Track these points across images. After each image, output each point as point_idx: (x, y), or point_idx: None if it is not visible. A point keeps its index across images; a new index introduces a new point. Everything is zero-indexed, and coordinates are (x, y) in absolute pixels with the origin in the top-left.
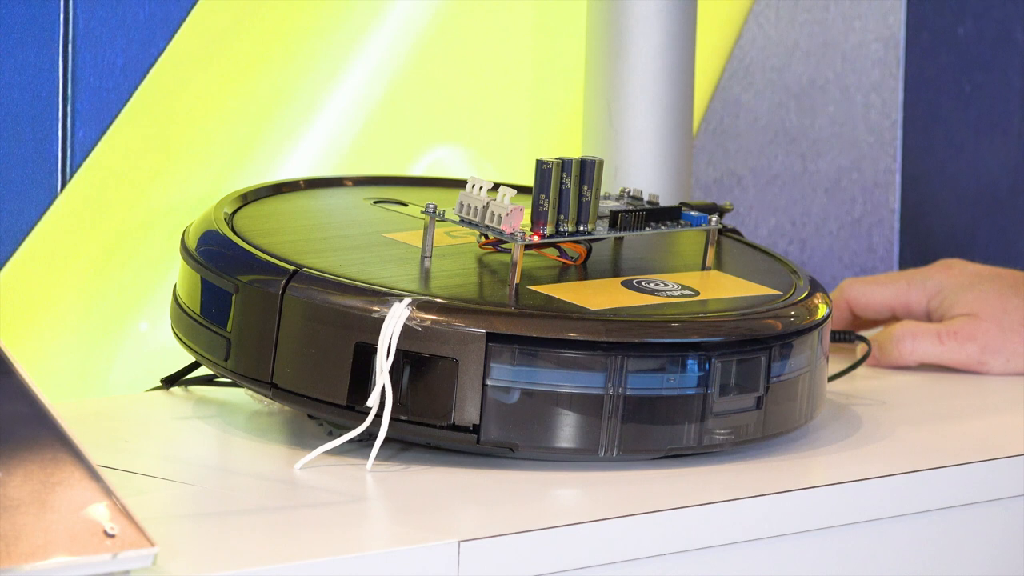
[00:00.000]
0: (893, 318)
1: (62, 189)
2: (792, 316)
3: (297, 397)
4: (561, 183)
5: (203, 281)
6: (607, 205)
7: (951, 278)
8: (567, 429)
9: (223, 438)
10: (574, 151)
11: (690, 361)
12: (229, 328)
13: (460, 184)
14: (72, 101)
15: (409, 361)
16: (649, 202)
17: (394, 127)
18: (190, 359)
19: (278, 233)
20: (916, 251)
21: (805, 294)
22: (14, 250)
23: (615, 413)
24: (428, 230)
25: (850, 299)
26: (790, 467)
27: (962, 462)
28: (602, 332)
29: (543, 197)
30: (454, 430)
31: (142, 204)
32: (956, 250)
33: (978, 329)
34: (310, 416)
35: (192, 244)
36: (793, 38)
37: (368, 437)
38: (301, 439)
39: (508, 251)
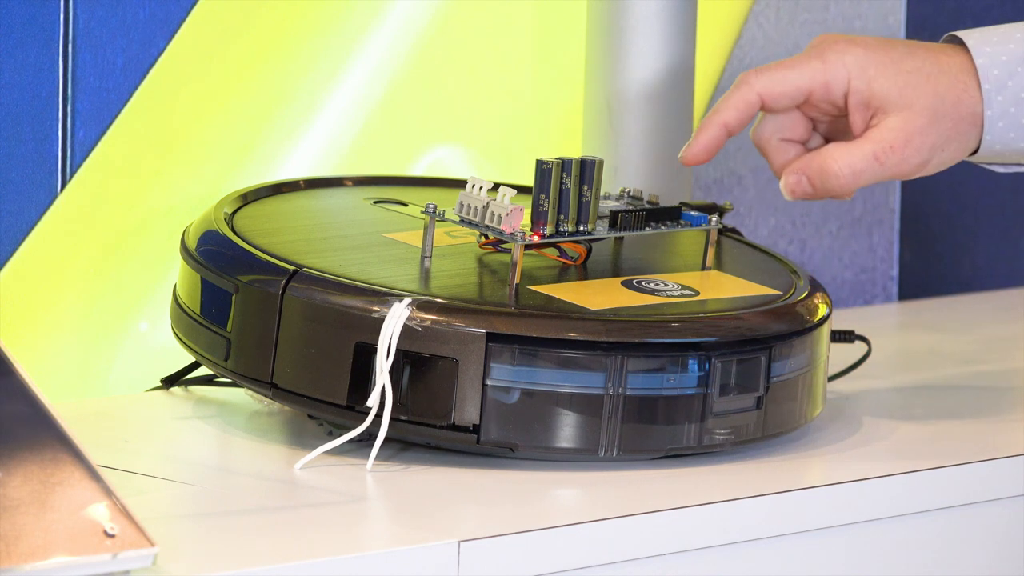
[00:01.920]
0: (807, 103)
1: (62, 189)
2: (792, 316)
3: (297, 397)
4: (561, 183)
5: (203, 281)
6: (607, 205)
7: (865, 54)
8: (567, 429)
9: (223, 438)
10: (574, 151)
11: (690, 361)
12: (229, 328)
13: (460, 184)
14: (72, 101)
15: (409, 361)
16: (649, 202)
17: (394, 127)
18: (190, 359)
19: (278, 233)
20: (916, 251)
21: (805, 294)
22: (14, 250)
23: (615, 413)
24: (428, 230)
25: (762, 91)
26: (790, 467)
27: (962, 462)
28: (602, 332)
29: (543, 197)
30: (454, 430)
31: (142, 204)
32: (956, 250)
33: (914, 132)
34: (310, 416)
35: (192, 244)
36: (793, 38)
37: (368, 437)
38: (301, 439)
39: (508, 251)
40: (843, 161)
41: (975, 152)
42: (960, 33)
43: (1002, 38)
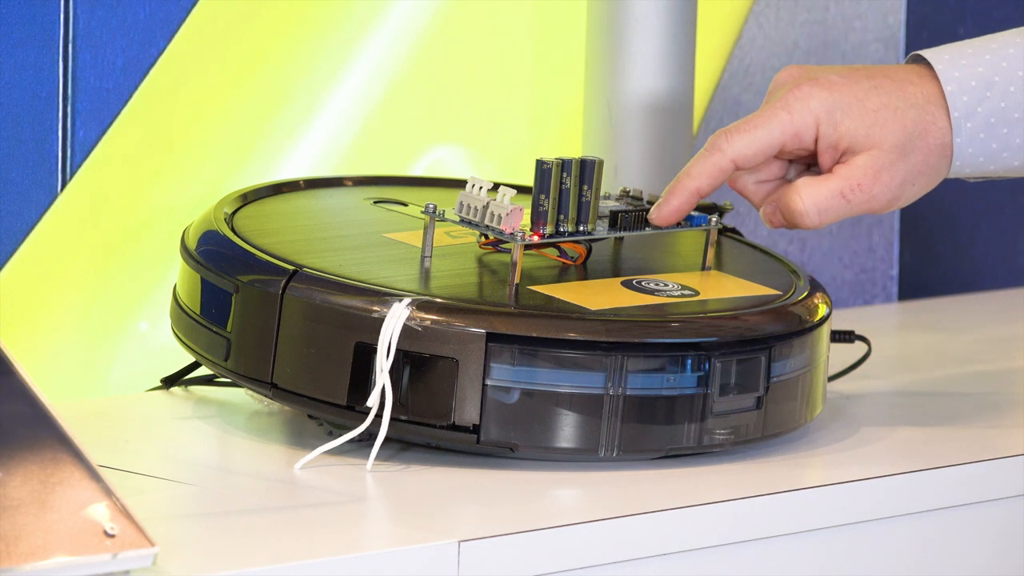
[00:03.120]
0: (780, 152)
1: (62, 189)
2: (792, 316)
3: (297, 397)
4: (561, 183)
5: (203, 281)
6: (607, 205)
7: (830, 97)
8: (567, 429)
9: (223, 438)
10: (574, 151)
11: (690, 361)
12: (229, 328)
13: (460, 184)
14: (72, 101)
15: (409, 361)
16: (649, 202)
17: (394, 127)
18: (190, 359)
19: (278, 233)
20: (916, 251)
21: (805, 294)
22: (14, 250)
23: (615, 413)
24: (428, 230)
25: (735, 157)
26: (790, 467)
27: (962, 462)
28: (602, 332)
29: (543, 197)
30: (454, 430)
31: (142, 204)
32: (956, 250)
33: (882, 169)
34: (310, 416)
35: (192, 244)
36: (793, 38)
37: (368, 437)
38: (301, 439)
39: (508, 251)
40: (809, 200)
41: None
42: (927, 54)
43: (971, 61)
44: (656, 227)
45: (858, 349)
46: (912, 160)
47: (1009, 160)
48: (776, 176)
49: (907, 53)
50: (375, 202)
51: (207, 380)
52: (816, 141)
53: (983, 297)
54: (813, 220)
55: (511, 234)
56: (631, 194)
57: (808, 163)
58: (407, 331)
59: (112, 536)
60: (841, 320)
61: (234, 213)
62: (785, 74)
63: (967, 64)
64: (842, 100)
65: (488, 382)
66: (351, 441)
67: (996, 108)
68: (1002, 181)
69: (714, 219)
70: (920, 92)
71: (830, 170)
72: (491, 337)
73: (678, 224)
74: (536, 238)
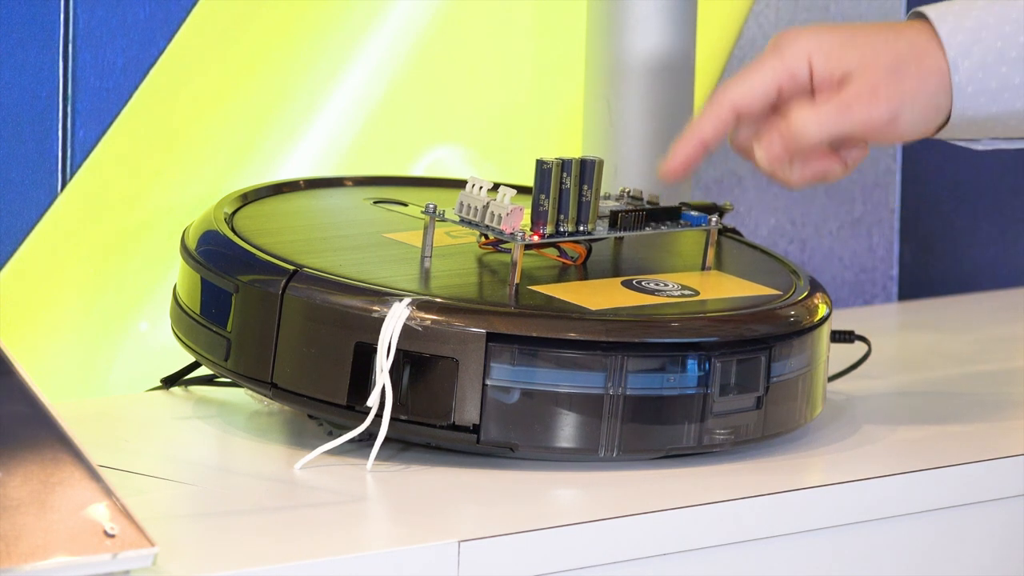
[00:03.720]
0: (779, 99)
1: (62, 189)
2: (792, 316)
3: (297, 397)
4: (561, 183)
5: (203, 281)
6: (607, 205)
7: (819, 35)
8: (567, 429)
9: (223, 438)
10: (574, 151)
11: (690, 361)
12: (229, 328)
13: (460, 184)
14: (72, 101)
15: (409, 361)
16: (649, 202)
17: (394, 127)
18: (190, 359)
19: (278, 233)
20: (916, 251)
21: (805, 294)
22: (14, 250)
23: (615, 413)
24: (428, 230)
25: (734, 102)
26: (790, 467)
27: (962, 462)
28: (602, 332)
29: (543, 197)
30: (454, 430)
31: (142, 204)
32: (956, 250)
33: (878, 83)
34: (310, 416)
35: (192, 244)
36: None
37: (368, 437)
38: (301, 439)
39: (508, 251)
40: (807, 110)
41: (947, 122)
42: (923, 8)
43: (963, 7)
44: (657, 227)
45: (858, 349)
46: (909, 79)
47: (1011, 101)
48: None
49: None
50: (375, 202)
51: (207, 380)
52: (811, 77)
53: (983, 297)
54: (812, 128)
55: (511, 234)
56: (631, 194)
57: None
58: (407, 331)
59: (112, 536)
60: (841, 320)
61: (234, 213)
62: (777, 35)
63: (960, 10)
64: (832, 35)
65: (488, 382)
66: (351, 441)
67: (992, 47)
68: (1001, 181)
69: (714, 219)
70: (913, 29)
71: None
72: (491, 337)
73: (678, 224)
74: (536, 238)
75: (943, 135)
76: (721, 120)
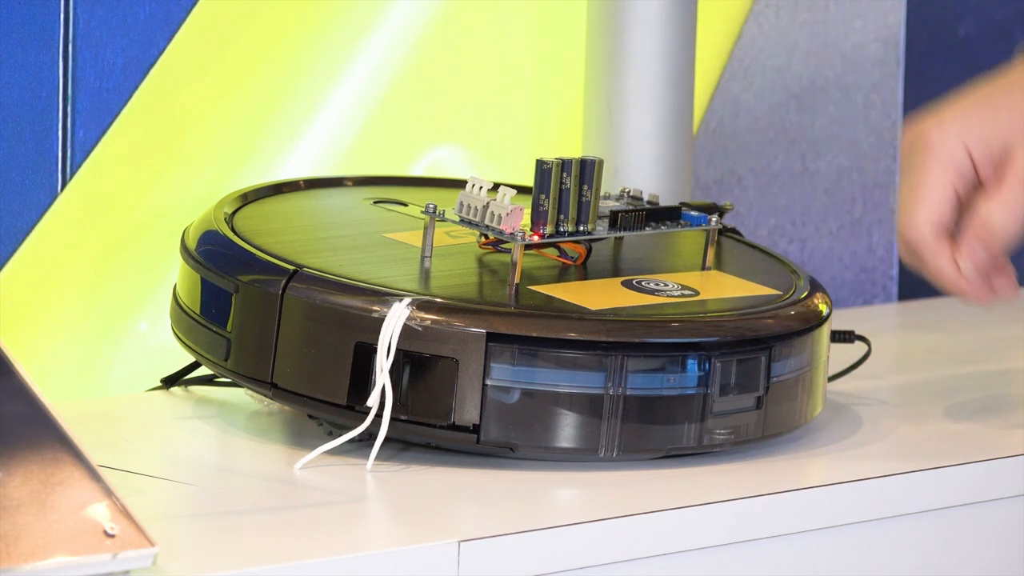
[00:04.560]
0: (957, 197)
1: (62, 189)
2: (792, 316)
3: (297, 397)
4: (561, 183)
5: (203, 281)
6: (607, 205)
7: (963, 118)
8: (567, 429)
9: (223, 438)
10: (574, 151)
11: (690, 361)
12: (229, 328)
13: (460, 184)
14: (72, 101)
15: (409, 361)
16: (649, 202)
17: (394, 127)
18: (190, 359)
19: (278, 233)
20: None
21: (805, 294)
22: (14, 250)
23: (615, 413)
24: (428, 230)
25: (932, 222)
26: (790, 467)
27: (962, 462)
28: (602, 332)
29: (543, 197)
30: (454, 430)
31: (142, 204)
32: None
33: None
34: (310, 416)
35: (192, 244)
36: (793, 38)
37: (368, 437)
38: (301, 439)
39: (508, 251)
40: (996, 206)
41: None
42: None
43: None
44: (657, 227)
45: (858, 349)
46: None
47: None
48: (949, 211)
49: (907, 53)
50: (375, 202)
51: (207, 380)
52: (974, 166)
53: None
54: (1004, 216)
55: (511, 234)
56: (631, 194)
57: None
58: (407, 331)
59: (112, 536)
60: (841, 320)
61: (234, 213)
62: (910, 132)
63: None
64: (974, 114)
65: (488, 382)
66: (351, 441)
67: None
68: None
69: (714, 219)
70: None
71: (997, 182)
72: (491, 337)
73: (678, 224)
74: (536, 238)
75: None
76: (939, 244)
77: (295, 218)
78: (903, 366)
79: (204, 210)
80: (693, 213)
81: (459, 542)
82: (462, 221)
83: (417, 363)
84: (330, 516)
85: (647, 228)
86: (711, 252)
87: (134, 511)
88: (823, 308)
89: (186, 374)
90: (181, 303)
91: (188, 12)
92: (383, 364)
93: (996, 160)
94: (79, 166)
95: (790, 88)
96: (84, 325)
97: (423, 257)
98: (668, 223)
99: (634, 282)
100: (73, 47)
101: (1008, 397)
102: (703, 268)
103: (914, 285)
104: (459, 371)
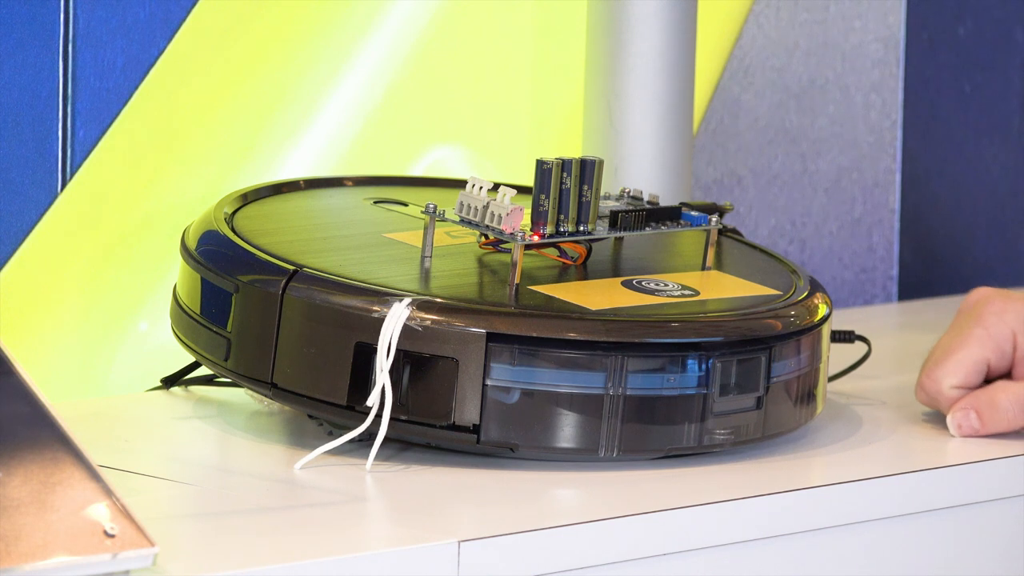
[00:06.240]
0: (988, 371)
1: (62, 189)
2: (792, 316)
3: (297, 397)
4: (561, 183)
5: (203, 281)
6: (607, 205)
7: (1014, 317)
8: (567, 429)
9: (223, 438)
10: (574, 151)
11: (690, 361)
12: (229, 328)
13: (460, 184)
14: (72, 101)
15: (409, 361)
16: (649, 202)
17: (394, 127)
18: (190, 359)
19: (278, 233)
20: (916, 251)
21: (805, 294)
22: (14, 250)
23: (615, 413)
24: (428, 230)
25: (956, 386)
26: (790, 467)
27: (962, 462)
28: (602, 332)
29: (543, 197)
30: (454, 430)
31: (142, 204)
32: (956, 250)
33: None
34: (310, 416)
35: (192, 244)
36: (793, 38)
37: (368, 437)
38: (301, 439)
39: (508, 251)
40: (1012, 395)
41: None
42: None
43: None
44: (657, 227)
45: (858, 349)
46: None
47: None
48: (975, 385)
49: (907, 53)
50: (375, 202)
51: (207, 380)
52: (1015, 351)
53: None
54: (1015, 416)
55: (511, 234)
56: (631, 194)
57: (1000, 368)
58: (407, 331)
59: (112, 536)
60: (841, 320)
61: (234, 213)
62: (976, 294)
63: None
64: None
65: (488, 382)
66: (351, 441)
67: None
68: (1001, 181)
69: (714, 219)
70: None
71: None
72: (491, 337)
73: (678, 224)
74: (536, 238)
75: None
76: (962, 411)
77: (295, 218)
78: (903, 366)
79: (204, 210)
80: (693, 213)
81: (459, 542)
82: (462, 221)
83: (417, 363)
84: (330, 516)
85: (647, 228)
86: (711, 252)
87: (134, 511)
88: (823, 308)
89: (186, 374)
90: (181, 303)
91: (188, 12)
92: (383, 364)
93: None
94: (79, 166)
95: (790, 88)
96: (84, 325)
97: (423, 257)
98: (668, 223)
99: (634, 282)
100: (73, 47)
101: None
102: (703, 268)
103: (914, 285)
104: (459, 371)
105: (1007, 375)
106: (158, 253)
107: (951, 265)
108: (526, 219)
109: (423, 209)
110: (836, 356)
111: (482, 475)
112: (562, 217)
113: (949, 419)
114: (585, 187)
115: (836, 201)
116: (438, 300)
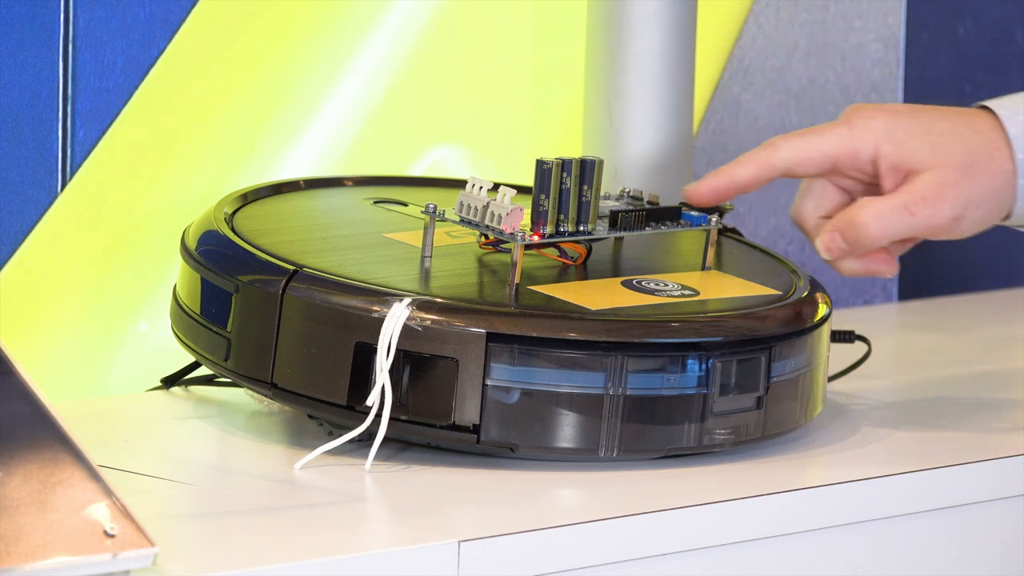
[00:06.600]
0: (834, 171)
1: (62, 189)
2: (792, 316)
3: (297, 397)
4: (561, 183)
5: (203, 281)
6: (607, 205)
7: (893, 119)
8: (567, 429)
9: (223, 438)
10: (574, 151)
11: (690, 361)
12: (229, 328)
13: (460, 184)
14: (72, 101)
15: (409, 361)
16: (649, 202)
17: (394, 127)
18: (190, 359)
19: (278, 233)
20: (916, 251)
21: (805, 294)
22: (14, 250)
23: (615, 413)
24: (428, 230)
25: (787, 156)
26: (790, 467)
27: (962, 462)
28: (602, 332)
29: (543, 197)
30: (454, 430)
31: (142, 204)
32: (955, 250)
33: (946, 184)
34: (310, 416)
35: (192, 244)
36: (793, 38)
37: (368, 437)
38: (301, 439)
39: (508, 251)
40: (871, 210)
41: (1008, 217)
42: (990, 103)
43: None
44: (657, 227)
45: (858, 349)
46: (977, 181)
47: None
48: (837, 208)
49: (907, 53)
50: (375, 202)
51: (207, 380)
52: (876, 161)
53: (983, 297)
54: (875, 231)
55: (511, 234)
56: (631, 194)
57: (868, 194)
58: (407, 331)
59: (112, 536)
60: (841, 320)
61: (234, 213)
62: (851, 106)
63: None
64: (905, 122)
65: (488, 382)
66: (351, 441)
67: None
68: None
69: (714, 219)
70: (986, 124)
71: (887, 190)
72: (491, 337)
73: (678, 224)
74: (536, 238)
75: (1001, 223)
76: (768, 166)
77: (295, 218)
78: (903, 366)
79: (204, 210)
80: (693, 213)
81: (459, 542)
82: (462, 221)
83: (417, 363)
84: (330, 516)
85: (647, 228)
86: (711, 252)
87: (134, 511)
88: (823, 308)
89: (186, 374)
90: (181, 303)
91: (188, 12)
92: (383, 364)
93: (898, 170)
94: (79, 166)
95: (790, 88)
96: (84, 325)
97: (423, 257)
98: (668, 223)
99: (634, 282)
100: (73, 47)
101: (1008, 398)
102: (703, 268)
103: (914, 285)
104: (459, 371)
105: (860, 187)
106: (158, 253)
107: (951, 265)
108: (526, 219)
109: (423, 209)
110: (836, 356)
111: (482, 475)
112: (562, 217)
113: (816, 243)
114: (585, 187)
115: None
116: (438, 300)
